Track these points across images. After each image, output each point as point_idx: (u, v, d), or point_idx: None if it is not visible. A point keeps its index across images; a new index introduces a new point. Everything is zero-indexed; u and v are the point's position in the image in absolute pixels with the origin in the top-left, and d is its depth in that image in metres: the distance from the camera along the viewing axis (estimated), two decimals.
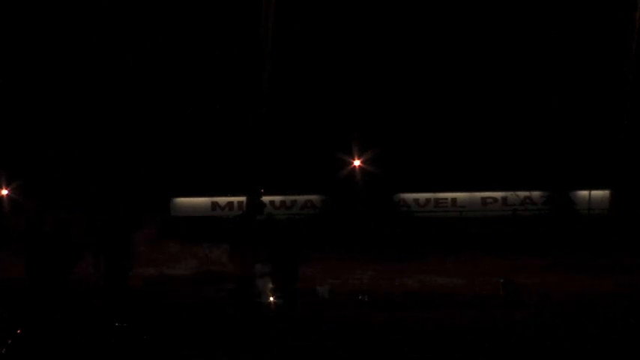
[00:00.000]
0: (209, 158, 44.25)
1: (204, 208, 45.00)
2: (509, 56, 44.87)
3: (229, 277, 22.91)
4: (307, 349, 15.87)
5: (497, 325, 18.28)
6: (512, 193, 44.30)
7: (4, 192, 42.06)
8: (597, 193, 40.56)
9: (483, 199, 44.87)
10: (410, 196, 44.84)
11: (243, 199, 34.25)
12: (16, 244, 24.37)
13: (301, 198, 45.05)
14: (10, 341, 11.82)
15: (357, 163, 43.69)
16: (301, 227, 30.74)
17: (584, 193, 41.83)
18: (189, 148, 45.13)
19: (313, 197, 44.71)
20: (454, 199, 45.01)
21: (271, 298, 19.90)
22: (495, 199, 44.84)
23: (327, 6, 44.81)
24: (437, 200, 45.17)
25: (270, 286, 20.05)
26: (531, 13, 44.97)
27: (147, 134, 45.45)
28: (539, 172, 43.28)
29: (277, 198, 44.11)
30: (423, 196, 45.10)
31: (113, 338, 12.12)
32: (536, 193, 44.22)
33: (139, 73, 45.64)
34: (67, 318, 14.51)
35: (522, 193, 44.29)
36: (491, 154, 43.83)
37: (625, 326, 17.76)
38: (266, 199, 36.06)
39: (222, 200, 45.28)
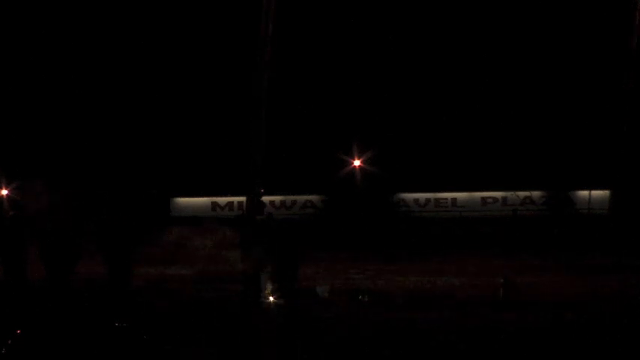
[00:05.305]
0: (209, 158, 44.24)
1: (204, 208, 44.97)
2: (509, 56, 44.84)
3: (229, 277, 22.93)
4: (307, 349, 15.87)
5: (497, 325, 18.28)
6: (512, 193, 44.27)
7: (4, 192, 41.98)
8: (597, 193, 40.56)
9: (483, 199, 44.86)
10: (410, 196, 44.81)
11: (243, 199, 34.26)
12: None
13: (301, 198, 45.03)
14: (10, 341, 11.82)
15: (357, 163, 43.64)
16: (301, 227, 30.77)
17: (584, 193, 41.79)
18: (189, 148, 45.12)
19: (313, 197, 44.69)
20: (454, 199, 44.99)
21: (271, 298, 19.92)
22: (495, 199, 44.82)
23: (327, 7, 44.80)
24: (437, 200, 45.16)
25: (271, 286, 20.07)
26: (531, 13, 44.95)
27: (147, 134, 45.44)
28: (539, 172, 43.25)
29: (277, 198, 44.07)
30: (423, 196, 45.08)
31: (113, 338, 12.12)
32: (536, 193, 44.19)
33: (140, 73, 45.64)
34: (67, 318, 14.51)
35: (522, 193, 44.27)
36: (491, 154, 43.80)
37: (625, 326, 17.76)
38: (266, 199, 36.09)
39: (222, 200, 45.27)
